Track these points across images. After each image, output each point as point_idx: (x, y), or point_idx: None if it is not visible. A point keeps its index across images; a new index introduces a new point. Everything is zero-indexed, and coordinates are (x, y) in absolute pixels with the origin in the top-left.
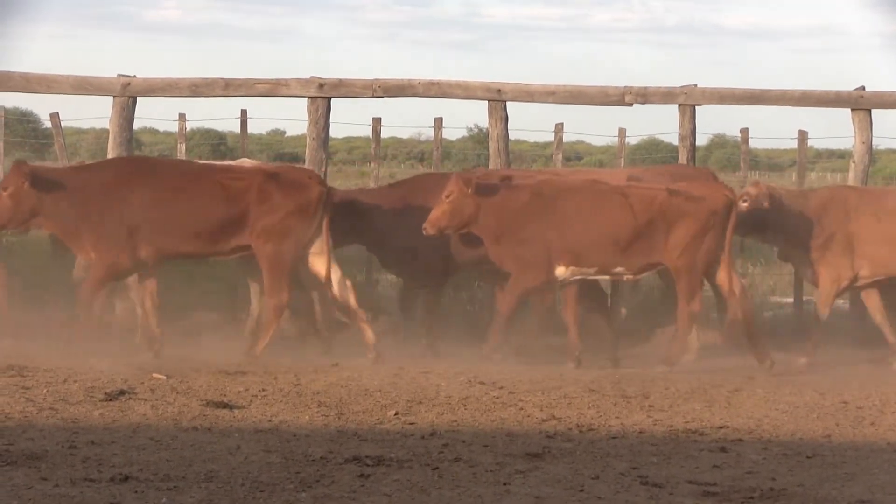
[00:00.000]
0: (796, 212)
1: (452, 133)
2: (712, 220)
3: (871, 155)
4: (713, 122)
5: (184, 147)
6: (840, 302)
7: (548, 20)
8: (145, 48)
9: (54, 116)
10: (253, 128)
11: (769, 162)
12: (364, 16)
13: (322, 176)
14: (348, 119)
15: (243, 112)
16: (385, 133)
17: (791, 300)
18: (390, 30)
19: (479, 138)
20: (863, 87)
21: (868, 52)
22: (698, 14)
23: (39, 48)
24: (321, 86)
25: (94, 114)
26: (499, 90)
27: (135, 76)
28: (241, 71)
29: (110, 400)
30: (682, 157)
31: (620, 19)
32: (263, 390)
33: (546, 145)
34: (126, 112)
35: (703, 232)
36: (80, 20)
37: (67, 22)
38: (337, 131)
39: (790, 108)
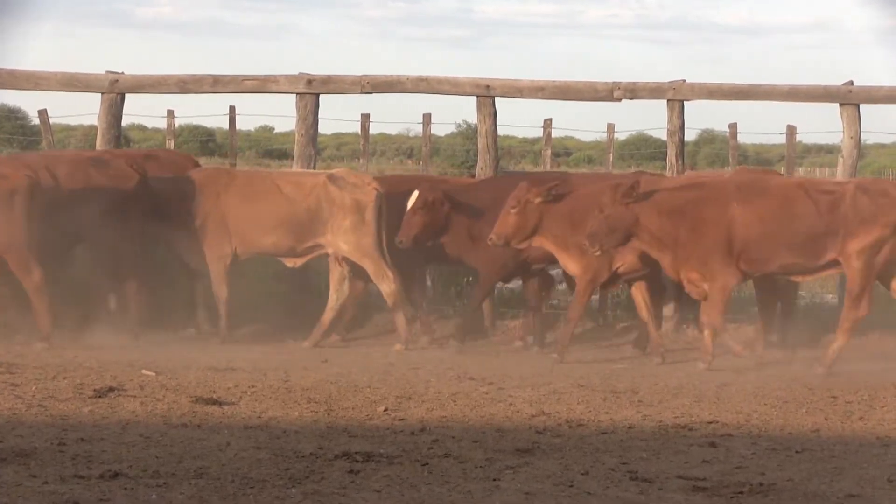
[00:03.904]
0: (173, 197)
1: (441, 129)
2: (14, 199)
3: (860, 150)
4: (702, 117)
5: (172, 143)
6: (829, 296)
7: (541, 16)
8: (139, 46)
9: (42, 113)
10: (241, 124)
11: (758, 157)
12: (360, 12)
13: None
14: (337, 115)
15: (232, 108)
16: (374, 129)
17: None
18: (385, 26)
19: (467, 134)
20: (851, 82)
21: (861, 48)
22: (692, 10)
23: (33, 46)
24: (310, 82)
25: (82, 110)
26: (487, 86)
27: (123, 73)
28: (234, 68)
29: (99, 397)
30: (671, 153)
31: (614, 15)
32: (253, 387)
33: (535, 141)
34: (114, 109)
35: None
36: (74, 18)
37: (62, 20)
38: (326, 127)
39: (779, 103)
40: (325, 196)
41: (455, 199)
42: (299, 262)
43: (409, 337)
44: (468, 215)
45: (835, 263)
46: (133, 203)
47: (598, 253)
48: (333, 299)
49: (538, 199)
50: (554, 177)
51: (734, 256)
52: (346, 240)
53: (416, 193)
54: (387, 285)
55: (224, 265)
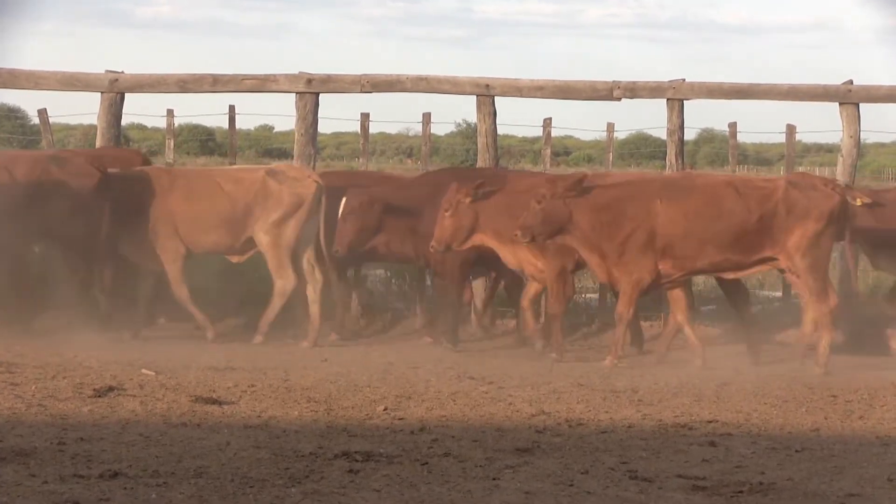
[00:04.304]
0: (122, 196)
1: (441, 128)
2: None
3: (859, 149)
4: (702, 116)
5: (172, 143)
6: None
7: (541, 16)
8: (139, 45)
9: (42, 112)
10: (241, 123)
11: (758, 156)
12: (360, 11)
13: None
14: (337, 114)
15: (231, 108)
16: (374, 128)
17: (780, 294)
18: (385, 26)
19: (467, 133)
20: (850, 82)
21: (861, 47)
22: (692, 9)
23: (33, 45)
24: (309, 81)
25: (82, 110)
26: (487, 85)
27: (122, 72)
28: (234, 67)
29: (99, 396)
30: (671, 152)
31: (614, 15)
32: (252, 386)
33: (535, 140)
34: (114, 108)
35: None
36: (74, 17)
37: (62, 19)
38: (325, 127)
39: (779, 102)
40: (263, 190)
41: (387, 199)
42: (243, 258)
43: (264, 330)
44: (407, 213)
45: (769, 259)
46: (95, 200)
47: (527, 242)
48: (311, 290)
49: (468, 199)
50: (485, 173)
51: (655, 253)
52: (266, 231)
53: (344, 200)
54: (283, 281)
55: (178, 267)
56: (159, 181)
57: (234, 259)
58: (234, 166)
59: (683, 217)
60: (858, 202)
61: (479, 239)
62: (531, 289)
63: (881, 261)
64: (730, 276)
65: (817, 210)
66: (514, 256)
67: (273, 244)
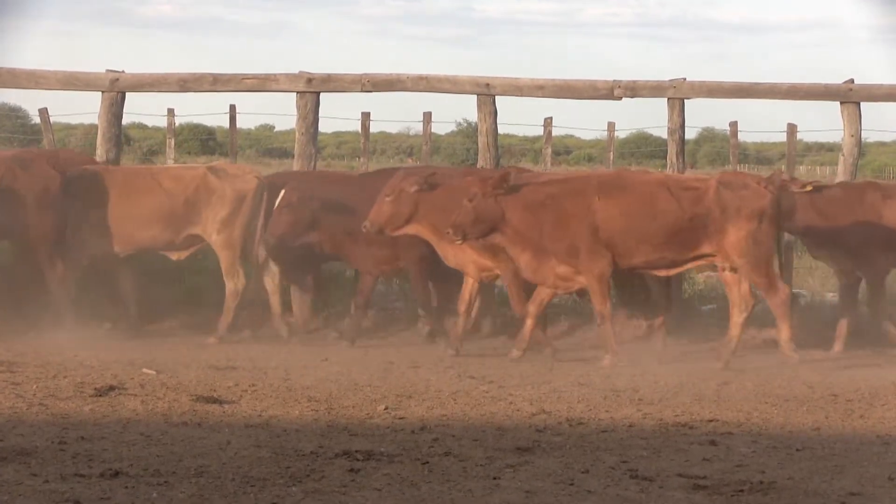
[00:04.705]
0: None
1: (442, 128)
2: None
3: (860, 148)
4: (702, 115)
5: (173, 142)
6: (830, 295)
7: (541, 14)
8: (139, 44)
9: (43, 112)
10: (242, 123)
11: (758, 155)
12: (360, 11)
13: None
14: (337, 114)
15: (232, 107)
16: (374, 128)
17: None
18: (385, 25)
19: (468, 133)
20: (852, 81)
21: (862, 46)
22: (692, 8)
23: (33, 45)
24: (310, 81)
25: (83, 109)
26: (487, 84)
27: (123, 72)
28: (234, 66)
29: (100, 395)
30: (671, 151)
31: (614, 14)
32: (253, 385)
33: (535, 139)
34: (115, 108)
35: None
36: (74, 16)
37: (62, 18)
38: (326, 126)
39: (780, 101)
40: (205, 186)
41: (326, 197)
42: (183, 255)
43: (223, 334)
44: (345, 212)
45: (706, 255)
46: (55, 200)
47: (459, 241)
48: (268, 282)
49: (413, 188)
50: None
51: (604, 245)
52: (218, 230)
53: (283, 192)
54: (234, 283)
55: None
56: (98, 180)
57: (174, 256)
58: (176, 165)
59: (620, 214)
60: (809, 188)
61: (415, 229)
62: (465, 292)
63: (819, 254)
64: (663, 273)
65: (748, 209)
66: (453, 254)
67: (226, 244)
